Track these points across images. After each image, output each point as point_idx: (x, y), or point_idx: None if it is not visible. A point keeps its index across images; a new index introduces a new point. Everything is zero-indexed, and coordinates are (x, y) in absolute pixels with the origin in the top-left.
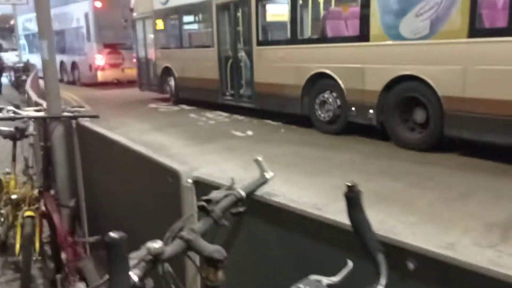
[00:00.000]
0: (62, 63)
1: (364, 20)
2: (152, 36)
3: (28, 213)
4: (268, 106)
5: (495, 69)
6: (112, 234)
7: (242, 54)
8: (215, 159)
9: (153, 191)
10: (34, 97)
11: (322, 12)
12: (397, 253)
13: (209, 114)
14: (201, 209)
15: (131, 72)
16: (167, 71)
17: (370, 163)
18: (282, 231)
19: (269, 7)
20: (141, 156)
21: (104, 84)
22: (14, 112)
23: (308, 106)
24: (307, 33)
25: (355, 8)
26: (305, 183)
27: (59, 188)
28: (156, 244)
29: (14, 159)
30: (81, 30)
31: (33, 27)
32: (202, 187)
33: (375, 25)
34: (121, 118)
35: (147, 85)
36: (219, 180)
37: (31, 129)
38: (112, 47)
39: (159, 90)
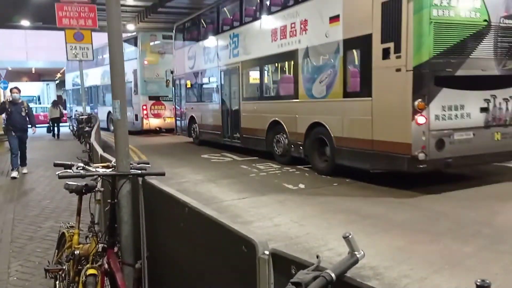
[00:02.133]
0: (109, 113)
1: (295, 85)
2: (184, 92)
3: (91, 271)
4: (248, 145)
5: (356, 118)
6: None
7: (234, 107)
8: (267, 213)
9: (224, 259)
10: (100, 151)
11: (275, 80)
12: None
13: (260, 166)
14: None
15: (171, 120)
16: (192, 119)
17: (434, 223)
18: None
19: (249, 74)
20: (214, 221)
21: (148, 132)
22: (84, 169)
23: (270, 144)
24: (267, 93)
25: (291, 78)
26: (365, 244)
27: (123, 245)
28: None
29: (79, 213)
30: (128, 85)
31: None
32: (280, 260)
33: (301, 88)
34: (174, 169)
35: (180, 130)
36: (301, 256)
37: (98, 185)
38: (156, 99)
39: (188, 134)
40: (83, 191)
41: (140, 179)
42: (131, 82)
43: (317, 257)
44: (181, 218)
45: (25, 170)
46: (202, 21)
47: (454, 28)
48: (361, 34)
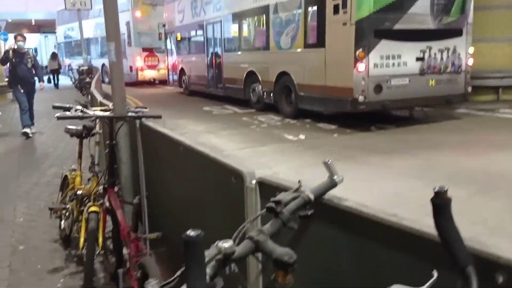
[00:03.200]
0: (103, 65)
1: (267, 38)
2: (174, 45)
3: (93, 208)
4: (229, 94)
5: (313, 66)
6: (191, 231)
7: (218, 59)
8: (267, 162)
9: (216, 191)
10: (99, 97)
11: (250, 33)
12: (485, 265)
13: (262, 118)
14: (270, 210)
15: (165, 72)
16: (182, 71)
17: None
18: (353, 238)
19: (230, 27)
20: (206, 157)
21: (141, 84)
22: (82, 112)
23: (247, 92)
24: (245, 45)
25: (264, 31)
26: (361, 189)
27: (122, 185)
28: (227, 244)
29: (80, 156)
30: (122, 37)
31: (74, 34)
32: (267, 188)
33: (271, 41)
34: (175, 120)
35: (172, 81)
36: (285, 182)
37: (97, 128)
38: (150, 51)
39: (179, 85)
40: (83, 134)
41: (137, 121)
42: (124, 34)
43: (299, 182)
44: (177, 156)
45: (33, 130)
46: None
47: None
48: None
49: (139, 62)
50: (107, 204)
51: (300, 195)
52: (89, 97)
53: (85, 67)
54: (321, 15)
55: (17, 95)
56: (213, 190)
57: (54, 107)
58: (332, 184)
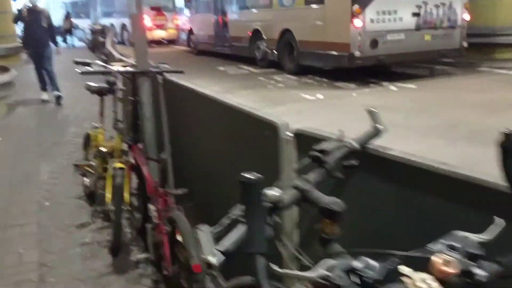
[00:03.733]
0: (111, 25)
1: None
2: (183, 5)
3: (118, 165)
4: (235, 51)
5: (313, 23)
6: (247, 174)
7: (224, 18)
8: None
9: (246, 144)
10: (116, 54)
11: None
12: None
13: (278, 77)
14: (314, 159)
15: (173, 32)
16: (190, 31)
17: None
18: (399, 187)
19: None
20: (235, 110)
21: (149, 43)
22: (104, 67)
23: (252, 50)
24: (249, 3)
25: None
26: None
27: (146, 141)
28: (275, 192)
29: (101, 113)
30: None
31: None
32: (304, 140)
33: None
34: (192, 80)
35: (179, 40)
36: (324, 133)
37: (119, 84)
38: (158, 10)
39: (187, 44)
40: (104, 91)
41: (160, 77)
42: None
43: (340, 131)
44: (203, 111)
45: (57, 93)
46: None
47: None
48: None
49: (147, 21)
50: (132, 160)
51: (344, 144)
52: (102, 56)
53: (99, 27)
54: None
55: (30, 55)
56: (242, 143)
57: (76, 63)
58: (376, 132)
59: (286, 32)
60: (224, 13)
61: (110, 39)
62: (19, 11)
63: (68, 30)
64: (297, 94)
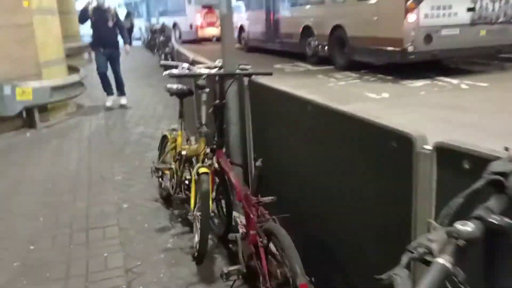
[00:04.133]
0: (175, 24)
1: None
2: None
3: (203, 170)
4: (286, 48)
5: (365, 18)
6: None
7: (276, 15)
8: None
9: (361, 157)
10: (191, 55)
11: None
12: None
13: (338, 75)
14: (494, 183)
15: None
16: (241, 28)
17: None
18: None
19: None
20: (349, 118)
21: (200, 41)
22: (189, 69)
23: (303, 46)
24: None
25: None
26: None
27: (231, 146)
28: (469, 227)
29: (181, 116)
30: None
31: None
32: (446, 154)
33: None
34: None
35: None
36: (479, 149)
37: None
38: (209, 8)
39: (238, 41)
40: (184, 94)
41: (246, 79)
42: None
43: (506, 149)
44: (301, 117)
45: (123, 101)
46: None
47: None
48: None
49: (199, 19)
50: (216, 165)
51: None
52: (163, 56)
53: (158, 26)
54: None
55: (96, 56)
56: (355, 154)
57: (162, 65)
58: None
59: (337, 28)
60: (275, 10)
61: (174, 38)
62: (84, 10)
63: (129, 29)
64: (361, 93)
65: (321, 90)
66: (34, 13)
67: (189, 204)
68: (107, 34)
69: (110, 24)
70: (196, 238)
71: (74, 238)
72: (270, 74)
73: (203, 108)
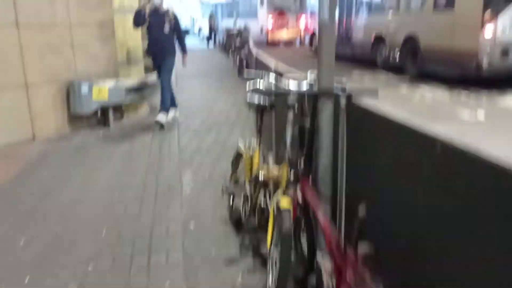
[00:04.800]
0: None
1: (396, 1)
2: (309, 7)
3: (285, 204)
4: (358, 55)
5: (440, 28)
6: None
7: (349, 21)
8: None
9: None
10: (272, 62)
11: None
12: None
13: (423, 86)
14: None
15: (292, 32)
16: (314, 34)
17: None
18: None
19: None
20: (499, 168)
21: (268, 45)
22: (276, 81)
23: (374, 53)
24: (374, 8)
25: None
26: None
27: (320, 175)
28: None
29: (259, 132)
30: (253, 1)
31: None
32: None
33: (400, 2)
34: None
35: (302, 42)
36: None
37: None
38: (280, 12)
39: (310, 45)
40: (266, 108)
41: (343, 98)
42: None
43: None
44: (424, 158)
45: (162, 117)
46: None
47: None
48: None
49: (270, 23)
50: (300, 197)
51: None
52: (237, 60)
53: (236, 30)
54: None
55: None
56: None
57: (244, 78)
58: None
59: (410, 37)
60: (347, 18)
61: (252, 42)
62: (139, 11)
63: (212, 30)
64: (454, 110)
65: (406, 103)
66: (116, 12)
67: (261, 231)
68: (162, 40)
69: (167, 29)
70: (270, 279)
71: (135, 260)
72: (376, 93)
73: (289, 129)
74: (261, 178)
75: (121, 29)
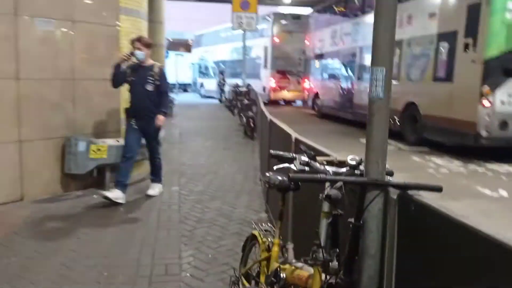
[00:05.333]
0: (236, 85)
1: (398, 69)
2: (312, 71)
3: None
4: (358, 118)
5: (439, 98)
6: None
7: (349, 86)
8: None
9: None
10: (293, 134)
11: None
12: None
13: (437, 160)
14: None
15: (294, 93)
16: (316, 95)
17: None
18: None
19: (363, 57)
20: None
21: (272, 104)
22: (308, 164)
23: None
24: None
25: (395, 62)
26: None
27: (364, 285)
28: None
29: (280, 217)
30: (257, 61)
31: (209, 56)
32: None
33: (402, 71)
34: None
35: (306, 103)
36: None
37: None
38: (282, 73)
39: (312, 107)
40: (291, 187)
41: (394, 191)
42: (260, 57)
43: None
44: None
45: (154, 190)
46: (328, 13)
47: None
48: (450, 29)
49: (273, 83)
50: None
51: None
52: (244, 119)
53: (244, 88)
54: (451, 52)
55: (126, 133)
56: None
57: (272, 156)
58: None
59: (410, 105)
60: (349, 81)
61: (262, 103)
62: (117, 68)
63: (221, 86)
64: (470, 186)
65: (420, 176)
66: (123, 68)
67: None
68: (143, 100)
69: (150, 87)
70: None
71: None
72: (439, 189)
73: (323, 222)
74: (282, 277)
75: (127, 84)
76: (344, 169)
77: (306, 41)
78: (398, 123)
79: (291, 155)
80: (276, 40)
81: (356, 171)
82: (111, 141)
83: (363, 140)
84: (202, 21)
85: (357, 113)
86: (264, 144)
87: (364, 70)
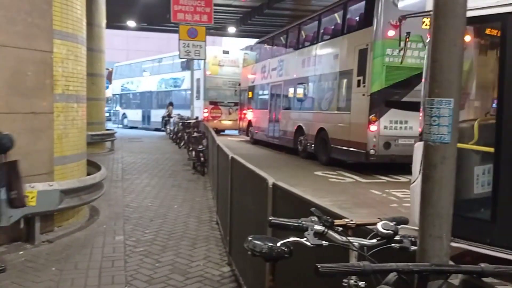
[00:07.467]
0: (163, 118)
1: (312, 100)
2: (245, 101)
3: None
4: (283, 143)
5: (342, 125)
6: None
7: (277, 114)
8: None
9: None
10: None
11: (300, 96)
12: None
13: (396, 192)
14: None
15: (225, 123)
16: (249, 123)
17: None
18: None
19: (287, 90)
20: None
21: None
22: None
23: (295, 143)
24: (295, 104)
25: (309, 95)
26: None
27: None
28: None
29: None
30: (189, 91)
31: (131, 87)
32: None
33: (315, 102)
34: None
35: (241, 131)
36: None
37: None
38: (215, 104)
39: (246, 134)
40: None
41: (460, 278)
42: (189, 89)
43: None
44: None
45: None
46: (259, 49)
47: (401, 70)
48: (348, 68)
49: (205, 113)
50: None
51: None
52: (193, 153)
53: (192, 120)
54: (349, 87)
55: None
56: None
57: (272, 225)
58: None
59: (321, 130)
60: (276, 110)
61: (215, 135)
62: None
63: (167, 118)
64: None
65: (386, 213)
66: (57, 99)
67: None
68: None
69: None
70: None
71: None
72: None
73: None
74: None
75: (62, 118)
76: (374, 241)
77: (240, 74)
78: (313, 146)
79: (300, 223)
80: (208, 73)
81: (393, 245)
82: (41, 186)
83: (318, 173)
84: (145, 52)
85: (283, 138)
86: (224, 185)
87: (288, 101)
